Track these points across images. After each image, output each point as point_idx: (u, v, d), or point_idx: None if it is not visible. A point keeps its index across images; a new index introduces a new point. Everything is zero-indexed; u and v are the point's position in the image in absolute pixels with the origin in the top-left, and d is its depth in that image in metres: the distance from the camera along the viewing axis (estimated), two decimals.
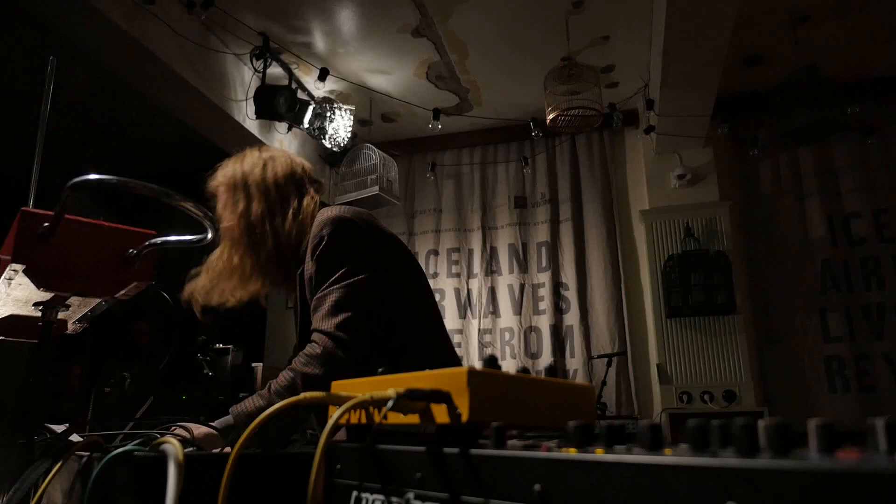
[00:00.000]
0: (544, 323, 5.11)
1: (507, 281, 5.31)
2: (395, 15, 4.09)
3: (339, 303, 1.42)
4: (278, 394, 1.36)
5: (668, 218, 4.91)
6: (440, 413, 0.58)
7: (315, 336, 1.42)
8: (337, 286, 1.43)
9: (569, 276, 5.14)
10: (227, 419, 1.36)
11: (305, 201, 1.59)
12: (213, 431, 1.24)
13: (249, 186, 1.59)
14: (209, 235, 0.99)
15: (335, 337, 1.39)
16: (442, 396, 0.58)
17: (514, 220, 5.41)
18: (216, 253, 1.57)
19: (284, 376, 1.39)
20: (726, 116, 4.90)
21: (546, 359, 4.98)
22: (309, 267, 1.49)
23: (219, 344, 3.51)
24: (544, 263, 5.24)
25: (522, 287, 5.25)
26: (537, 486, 0.46)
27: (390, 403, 0.59)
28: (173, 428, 1.16)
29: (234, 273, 1.55)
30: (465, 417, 0.56)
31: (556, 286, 5.17)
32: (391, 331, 1.53)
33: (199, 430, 1.22)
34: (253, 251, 1.54)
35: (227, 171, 1.66)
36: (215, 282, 1.57)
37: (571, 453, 0.46)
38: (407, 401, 0.59)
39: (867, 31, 4.31)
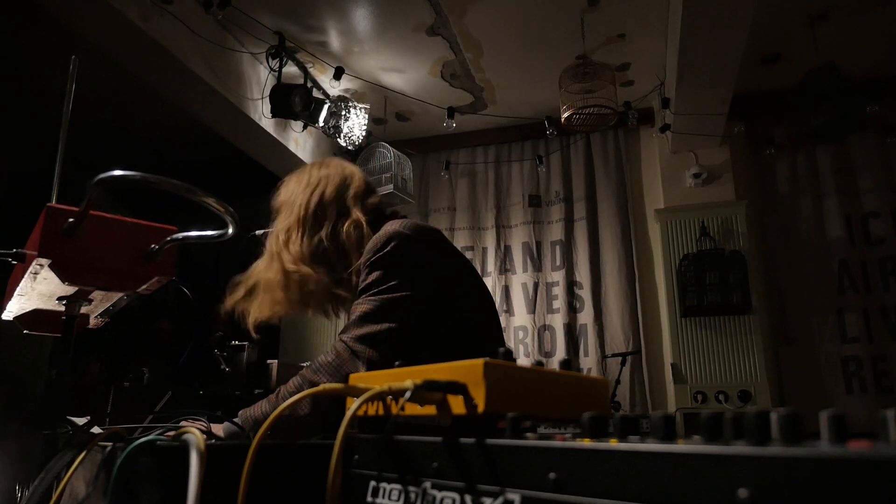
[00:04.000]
0: (558, 322, 5.10)
1: (520, 279, 5.30)
2: (409, 13, 4.10)
3: (368, 314, 1.36)
4: (285, 399, 1.31)
5: (683, 217, 4.89)
6: (457, 404, 0.59)
7: (334, 343, 1.38)
8: (372, 297, 1.37)
9: (583, 274, 5.13)
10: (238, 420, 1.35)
11: (346, 225, 1.51)
12: (234, 427, 1.26)
13: (297, 207, 1.54)
14: (230, 231, 1.01)
15: (353, 348, 1.34)
16: (458, 388, 0.59)
17: (528, 218, 5.40)
18: (262, 266, 1.53)
19: (294, 382, 1.36)
20: (743, 115, 4.87)
21: (560, 358, 4.97)
22: (362, 279, 1.43)
23: (235, 341, 3.54)
24: (558, 262, 5.24)
25: (536, 286, 5.24)
26: (552, 475, 0.47)
27: (408, 394, 0.60)
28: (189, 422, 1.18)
29: (279, 291, 1.48)
30: (481, 408, 0.57)
31: (570, 285, 5.16)
32: (434, 352, 1.44)
33: (217, 427, 1.24)
34: (297, 273, 1.47)
35: (287, 188, 1.61)
36: (263, 296, 1.51)
37: (586, 443, 0.47)
38: (424, 392, 0.60)
39: (886, 28, 4.26)
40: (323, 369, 1.34)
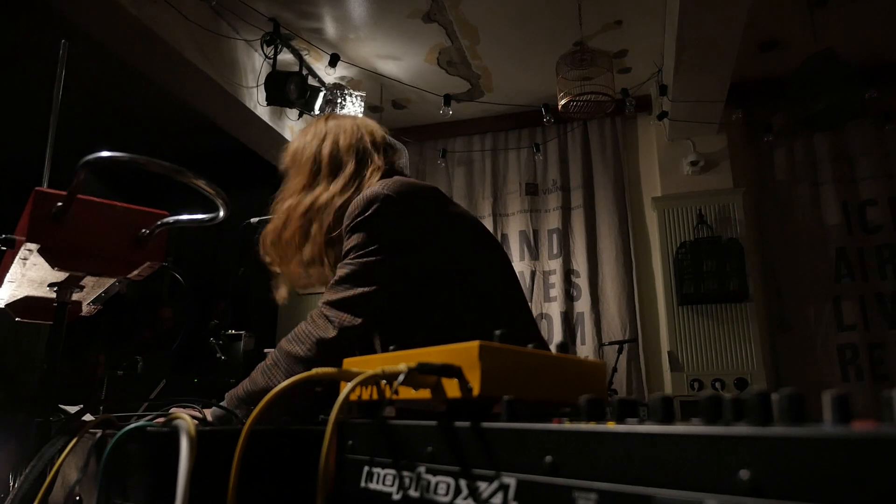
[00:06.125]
0: (555, 310, 5.10)
1: (518, 268, 5.29)
2: (405, 0, 4.07)
3: (344, 279, 1.30)
4: (264, 373, 1.28)
5: (680, 205, 4.88)
6: (452, 388, 0.58)
7: (312, 311, 1.33)
8: (350, 261, 1.31)
9: (580, 263, 5.13)
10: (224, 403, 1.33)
11: (366, 174, 1.44)
12: (221, 411, 1.25)
13: (306, 161, 1.47)
14: (221, 213, 0.99)
15: (326, 314, 1.29)
16: (453, 371, 0.58)
17: (525, 207, 5.39)
18: (282, 231, 1.45)
19: (271, 356, 1.31)
20: (740, 102, 4.86)
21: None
22: (344, 244, 1.36)
23: (231, 329, 3.52)
24: (555, 250, 5.23)
25: (533, 274, 5.24)
26: (548, 458, 0.46)
27: (401, 378, 0.58)
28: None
29: (296, 255, 1.43)
30: (476, 392, 0.56)
31: (567, 273, 5.16)
32: (428, 314, 1.38)
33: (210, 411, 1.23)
34: (311, 231, 1.41)
35: (293, 145, 1.53)
36: (286, 267, 1.46)
37: (583, 425, 0.46)
38: (418, 375, 0.58)
39: (885, 15, 4.24)
40: (296, 337, 1.29)
